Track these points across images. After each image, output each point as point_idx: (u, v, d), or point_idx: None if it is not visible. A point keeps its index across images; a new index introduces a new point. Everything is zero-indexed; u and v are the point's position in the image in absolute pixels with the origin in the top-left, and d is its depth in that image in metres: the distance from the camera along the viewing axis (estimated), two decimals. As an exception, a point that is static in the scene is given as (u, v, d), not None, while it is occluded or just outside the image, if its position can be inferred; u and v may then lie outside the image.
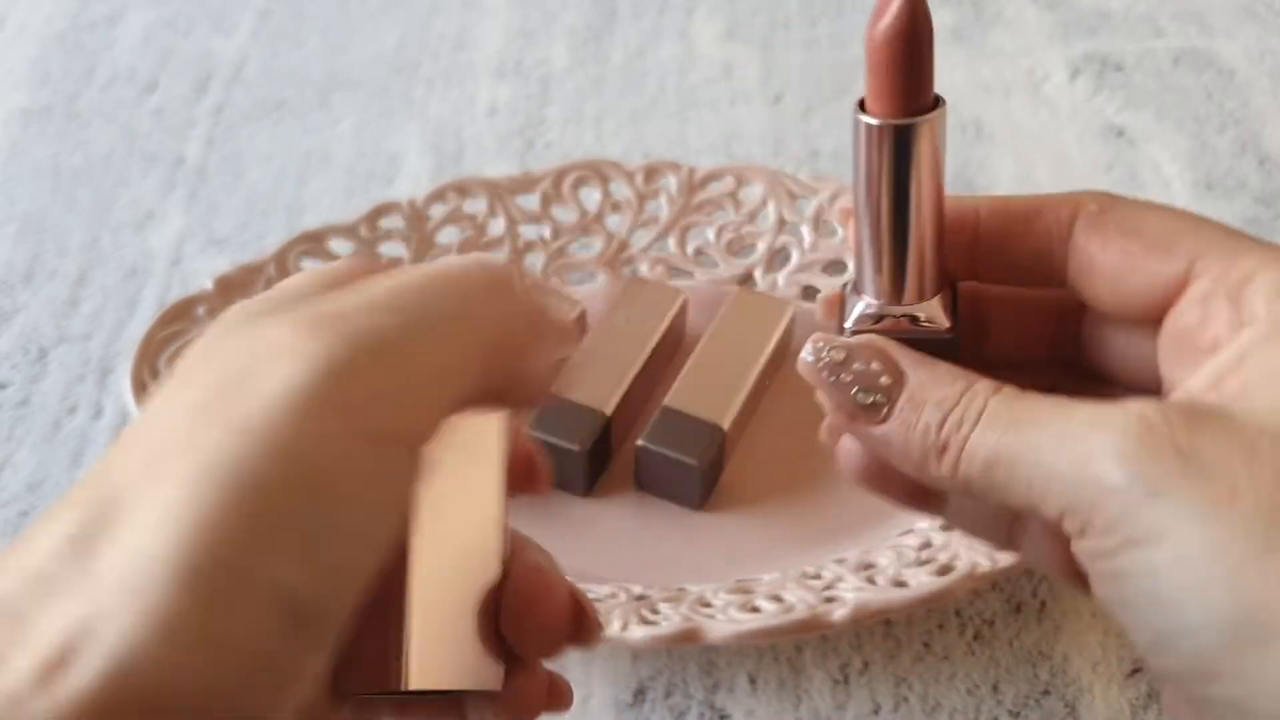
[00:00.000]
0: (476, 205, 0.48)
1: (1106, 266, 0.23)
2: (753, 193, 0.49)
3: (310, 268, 0.20)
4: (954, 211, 0.24)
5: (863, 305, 0.25)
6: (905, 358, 0.22)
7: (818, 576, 0.37)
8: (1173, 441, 0.18)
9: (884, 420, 0.21)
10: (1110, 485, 0.19)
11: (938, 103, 0.25)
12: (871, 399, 0.22)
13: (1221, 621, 0.18)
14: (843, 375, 0.22)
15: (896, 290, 0.24)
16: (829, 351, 0.22)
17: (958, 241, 0.24)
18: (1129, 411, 0.19)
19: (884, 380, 0.22)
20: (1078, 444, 0.19)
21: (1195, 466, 0.18)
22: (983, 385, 0.21)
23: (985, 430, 0.20)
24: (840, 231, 0.47)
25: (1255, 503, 0.18)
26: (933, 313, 0.24)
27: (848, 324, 0.25)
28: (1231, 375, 0.20)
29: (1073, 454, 0.19)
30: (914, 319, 0.24)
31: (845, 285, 0.26)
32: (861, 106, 0.24)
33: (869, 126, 0.24)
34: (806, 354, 0.23)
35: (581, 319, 0.45)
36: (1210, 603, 0.18)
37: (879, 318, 0.24)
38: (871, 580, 0.36)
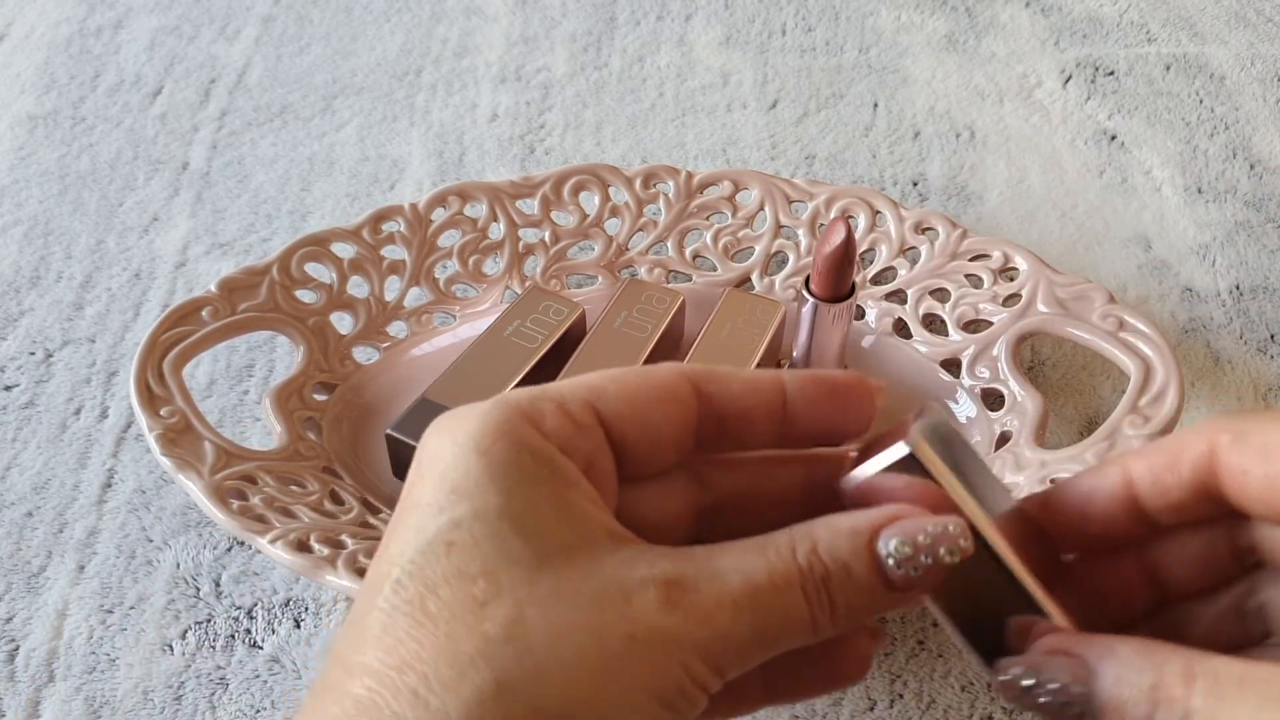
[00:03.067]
0: (477, 209, 0.48)
1: (1265, 491, 0.22)
2: (749, 197, 0.49)
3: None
4: (1093, 494, 0.23)
5: None
6: (1086, 647, 0.21)
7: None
8: None
9: None
10: None
11: (852, 290, 0.40)
12: (1077, 711, 0.21)
13: None
14: (1040, 697, 0.21)
15: None
16: (1019, 678, 0.22)
17: (1131, 510, 0.23)
18: None
19: (1076, 689, 0.21)
20: None
21: None
22: (1174, 668, 0.20)
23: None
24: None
25: None
26: None
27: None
28: None
29: None
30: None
31: (781, 364, 0.41)
32: (808, 286, 0.40)
33: (814, 301, 0.40)
34: (1002, 678, 0.22)
35: (581, 320, 0.46)
36: None
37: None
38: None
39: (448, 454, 0.22)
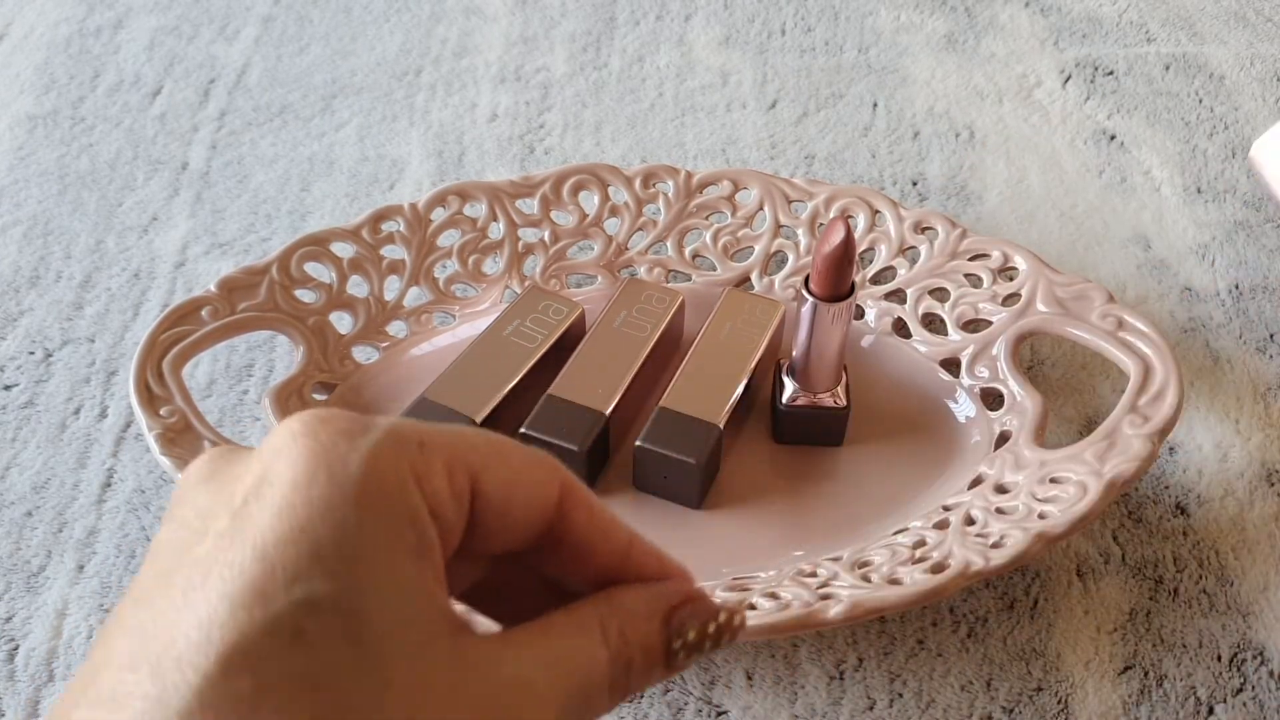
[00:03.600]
0: (477, 209, 0.48)
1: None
2: (749, 197, 0.49)
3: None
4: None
5: (793, 389, 0.42)
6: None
7: (813, 574, 0.37)
8: None
9: None
10: None
11: (852, 290, 0.40)
12: None
13: None
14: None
15: (817, 383, 0.42)
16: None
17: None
18: None
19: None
20: None
21: None
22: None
23: None
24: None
25: None
26: (836, 396, 0.42)
27: (784, 398, 0.42)
28: None
29: None
30: (824, 400, 0.42)
31: (780, 364, 0.43)
32: (807, 285, 0.40)
33: (812, 301, 0.40)
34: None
35: (580, 320, 0.46)
36: None
37: (804, 397, 0.42)
38: (866, 578, 0.36)
39: (318, 491, 0.18)
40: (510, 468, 0.21)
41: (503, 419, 0.42)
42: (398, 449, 0.19)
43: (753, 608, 0.35)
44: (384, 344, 0.46)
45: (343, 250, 0.46)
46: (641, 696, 0.37)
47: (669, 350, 0.46)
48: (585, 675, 0.21)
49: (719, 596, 0.36)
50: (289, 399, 0.42)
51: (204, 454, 0.21)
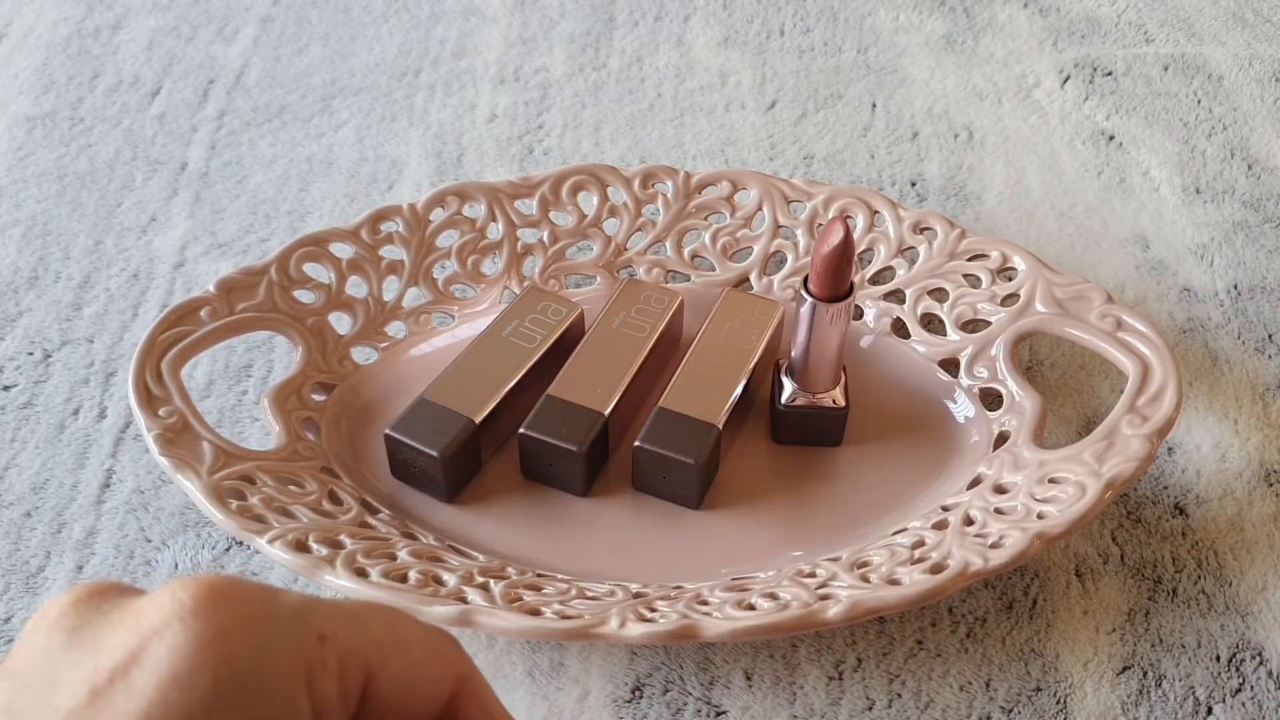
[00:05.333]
0: (476, 210, 0.48)
1: None
2: (748, 197, 0.49)
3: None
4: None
5: (792, 389, 0.42)
6: None
7: (812, 574, 0.37)
8: None
9: None
10: None
11: (851, 290, 0.40)
12: None
13: None
14: None
15: (816, 384, 0.42)
16: None
17: None
18: None
19: None
20: None
21: None
22: None
23: None
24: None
25: None
26: (835, 396, 0.42)
27: (783, 398, 0.42)
28: None
29: None
30: (823, 400, 0.42)
31: (779, 364, 0.43)
32: (806, 286, 0.40)
33: (811, 302, 0.40)
34: None
35: (579, 321, 0.46)
36: None
37: (803, 397, 0.42)
38: (865, 578, 0.36)
39: (196, 694, 0.16)
40: (409, 663, 0.20)
41: (502, 419, 0.42)
42: (295, 646, 0.18)
43: (752, 608, 0.35)
44: (383, 344, 0.46)
45: (342, 251, 0.46)
46: (641, 696, 0.37)
47: (668, 350, 0.46)
48: None
49: (717, 597, 0.36)
50: (288, 399, 0.42)
51: (71, 594, 0.18)
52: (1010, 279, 0.45)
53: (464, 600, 0.35)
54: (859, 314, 0.47)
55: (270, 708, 0.17)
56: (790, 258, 0.49)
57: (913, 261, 0.47)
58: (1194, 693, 0.37)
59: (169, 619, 0.17)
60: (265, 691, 0.17)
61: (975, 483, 0.40)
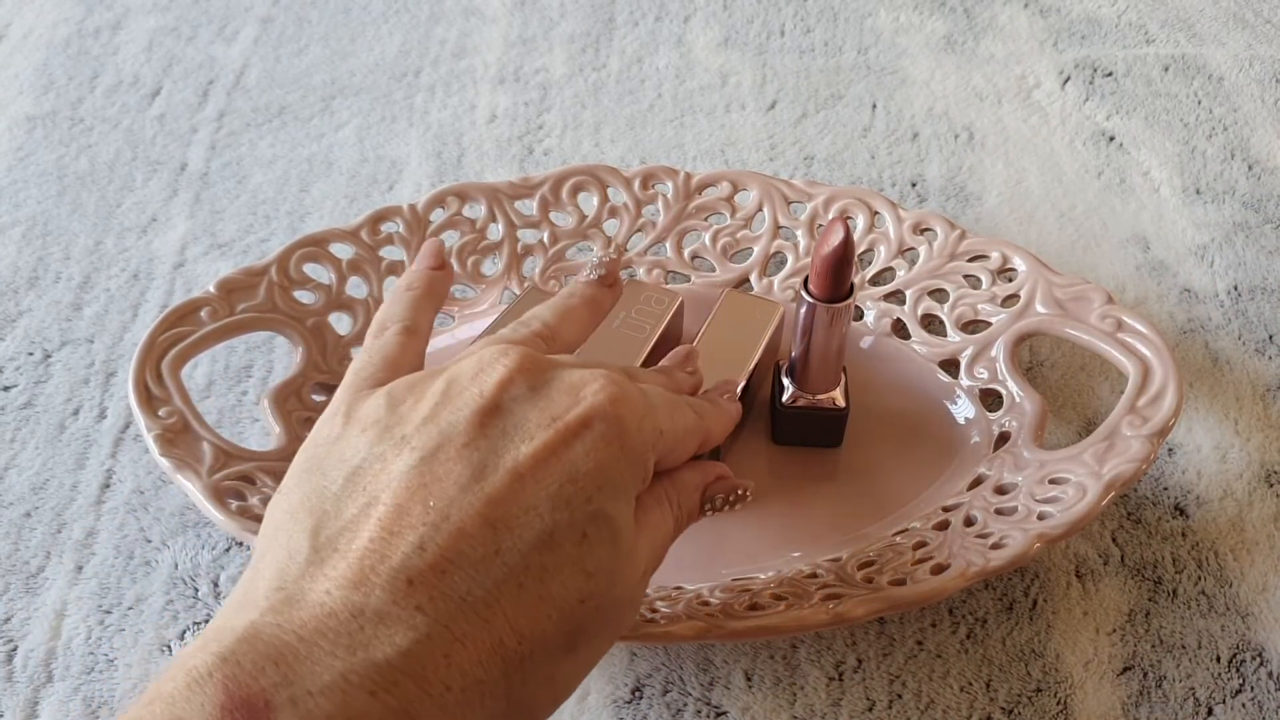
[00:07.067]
0: (476, 210, 0.48)
1: None
2: (748, 198, 0.49)
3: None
4: None
5: (792, 390, 0.42)
6: None
7: (813, 575, 0.37)
8: None
9: None
10: None
11: (851, 291, 0.40)
12: None
13: None
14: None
15: (816, 384, 0.42)
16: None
17: None
18: None
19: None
20: None
21: None
22: None
23: None
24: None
25: None
26: (835, 397, 0.42)
27: (783, 399, 0.42)
28: None
29: None
30: (823, 401, 0.42)
31: (779, 365, 0.43)
32: (806, 286, 0.40)
33: (811, 303, 0.40)
34: None
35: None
36: None
37: (803, 398, 0.42)
38: (866, 579, 0.36)
39: (614, 445, 0.28)
40: (685, 446, 0.32)
41: (502, 420, 0.42)
42: (651, 434, 0.30)
43: (752, 608, 0.35)
44: (383, 345, 0.46)
45: (342, 251, 0.46)
46: (641, 697, 0.37)
47: (668, 351, 0.46)
48: (663, 536, 0.30)
49: (718, 598, 0.36)
50: (288, 400, 0.42)
51: (515, 368, 0.29)
52: (1010, 280, 0.45)
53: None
54: (859, 315, 0.47)
55: (641, 466, 0.29)
56: (790, 258, 0.49)
57: (913, 262, 0.47)
58: (1194, 693, 0.37)
59: (603, 404, 0.28)
60: (640, 455, 0.29)
61: (976, 483, 0.40)
